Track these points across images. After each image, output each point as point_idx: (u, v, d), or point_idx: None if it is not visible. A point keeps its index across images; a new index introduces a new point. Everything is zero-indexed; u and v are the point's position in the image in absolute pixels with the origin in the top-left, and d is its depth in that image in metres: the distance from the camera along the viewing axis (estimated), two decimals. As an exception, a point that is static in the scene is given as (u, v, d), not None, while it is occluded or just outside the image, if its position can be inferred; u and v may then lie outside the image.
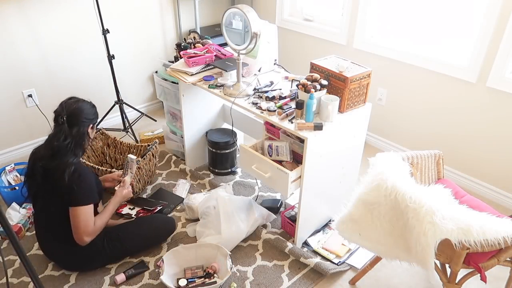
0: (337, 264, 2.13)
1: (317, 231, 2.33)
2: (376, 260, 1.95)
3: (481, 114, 2.52)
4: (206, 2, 3.65)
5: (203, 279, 1.97)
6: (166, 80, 2.77)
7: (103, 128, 2.92)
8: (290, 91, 2.20)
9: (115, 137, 2.82)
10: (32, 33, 2.79)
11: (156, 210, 2.38)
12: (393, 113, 3.01)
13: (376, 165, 1.69)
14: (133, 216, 2.35)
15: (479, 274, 1.60)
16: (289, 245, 2.20)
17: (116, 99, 3.14)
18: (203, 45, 2.64)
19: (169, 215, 2.45)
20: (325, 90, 1.97)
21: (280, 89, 2.24)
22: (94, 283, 2.03)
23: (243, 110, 2.27)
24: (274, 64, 2.50)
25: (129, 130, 3.22)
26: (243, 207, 2.27)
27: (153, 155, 2.65)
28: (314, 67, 2.08)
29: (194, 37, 3.10)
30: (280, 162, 2.15)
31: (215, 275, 1.99)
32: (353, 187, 1.86)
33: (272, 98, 2.13)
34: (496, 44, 2.31)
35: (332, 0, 3.19)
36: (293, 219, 2.26)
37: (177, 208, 2.53)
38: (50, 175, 1.87)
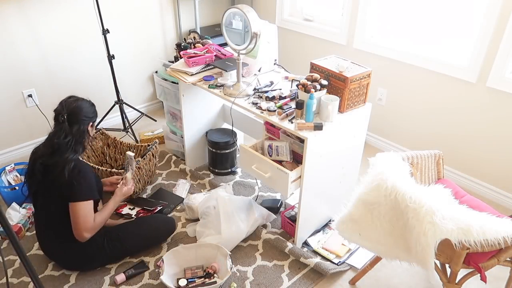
0: (337, 264, 2.13)
1: (317, 231, 2.33)
2: (376, 260, 1.95)
3: (481, 114, 2.52)
4: (206, 2, 3.65)
5: (203, 279, 1.97)
6: (166, 80, 2.77)
7: (103, 128, 2.92)
8: (290, 91, 2.20)
9: (115, 137, 2.82)
10: (32, 33, 2.79)
11: (156, 210, 2.38)
12: (393, 113, 3.01)
13: (376, 165, 1.69)
14: (133, 216, 2.35)
15: (479, 274, 1.60)
16: (289, 245, 2.20)
17: (116, 99, 3.14)
18: (203, 45, 2.64)
19: (169, 215, 2.45)
20: (325, 90, 1.97)
21: (280, 89, 2.24)
22: (94, 283, 2.03)
23: (243, 110, 2.27)
24: (274, 64, 2.50)
25: (129, 130, 3.22)
26: (243, 207, 2.27)
27: (153, 155, 2.65)
28: (314, 67, 2.08)
29: (194, 37, 3.10)
30: (280, 162, 2.15)
31: (215, 275, 1.99)
32: (353, 187, 1.86)
33: (272, 98, 2.13)
34: (496, 44, 2.31)
35: (332, 0, 3.19)
36: (293, 219, 2.26)
37: (177, 208, 2.53)
38: (50, 172, 1.88)
